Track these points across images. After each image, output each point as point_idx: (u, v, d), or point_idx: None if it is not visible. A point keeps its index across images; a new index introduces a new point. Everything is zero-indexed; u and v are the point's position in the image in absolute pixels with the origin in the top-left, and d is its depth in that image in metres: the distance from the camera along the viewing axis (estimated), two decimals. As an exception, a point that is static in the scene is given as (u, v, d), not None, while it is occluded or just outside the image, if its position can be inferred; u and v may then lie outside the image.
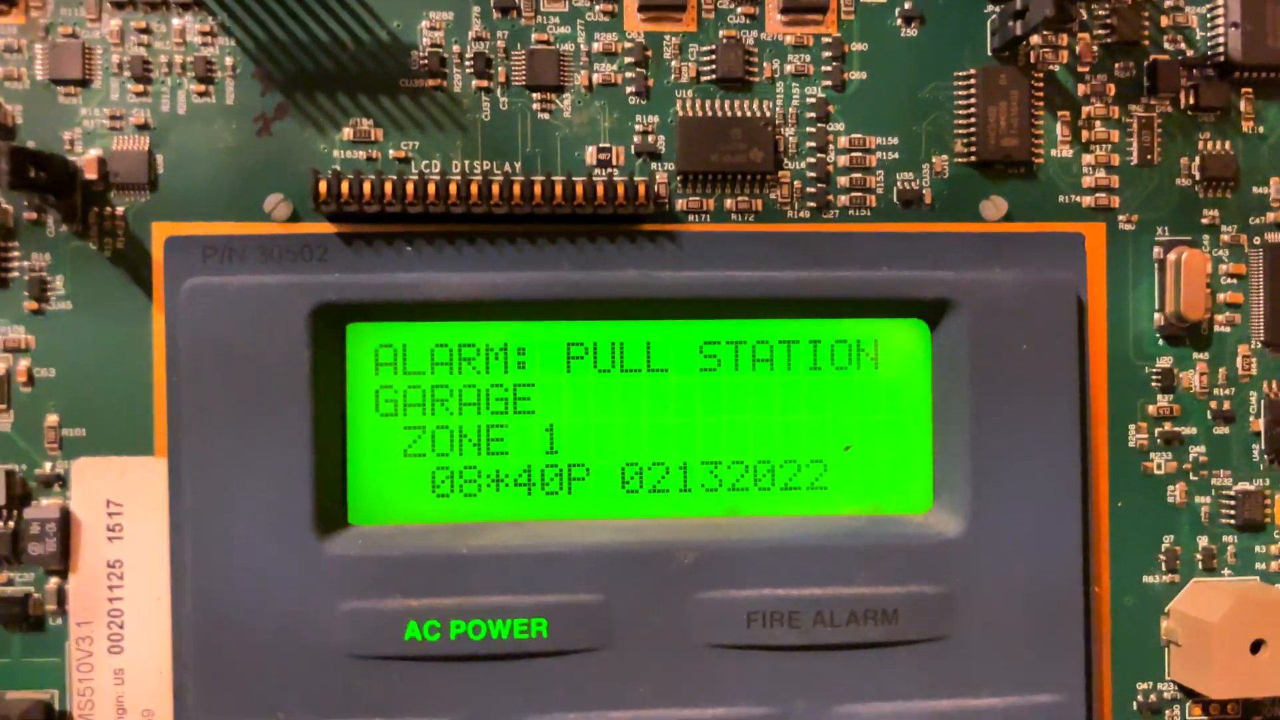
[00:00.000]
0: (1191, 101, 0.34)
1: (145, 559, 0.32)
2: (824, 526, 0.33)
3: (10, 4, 0.32)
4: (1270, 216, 0.35)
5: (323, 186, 0.31)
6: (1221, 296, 0.35)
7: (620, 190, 0.32)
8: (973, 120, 0.34)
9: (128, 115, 0.32)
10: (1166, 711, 0.35)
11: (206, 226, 0.32)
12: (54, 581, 0.32)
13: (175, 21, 0.32)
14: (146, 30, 0.32)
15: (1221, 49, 0.34)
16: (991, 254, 0.34)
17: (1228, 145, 0.35)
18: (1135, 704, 0.35)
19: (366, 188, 0.31)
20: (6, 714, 0.31)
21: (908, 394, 0.34)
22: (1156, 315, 0.34)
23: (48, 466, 0.32)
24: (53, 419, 0.32)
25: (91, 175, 0.32)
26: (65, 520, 0.32)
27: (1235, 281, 0.35)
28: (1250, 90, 0.35)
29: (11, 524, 0.32)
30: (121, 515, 0.32)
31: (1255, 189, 0.35)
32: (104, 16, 0.32)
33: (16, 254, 0.32)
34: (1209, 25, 0.35)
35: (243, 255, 0.32)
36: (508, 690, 0.32)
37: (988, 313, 0.33)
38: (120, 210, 0.32)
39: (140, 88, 0.32)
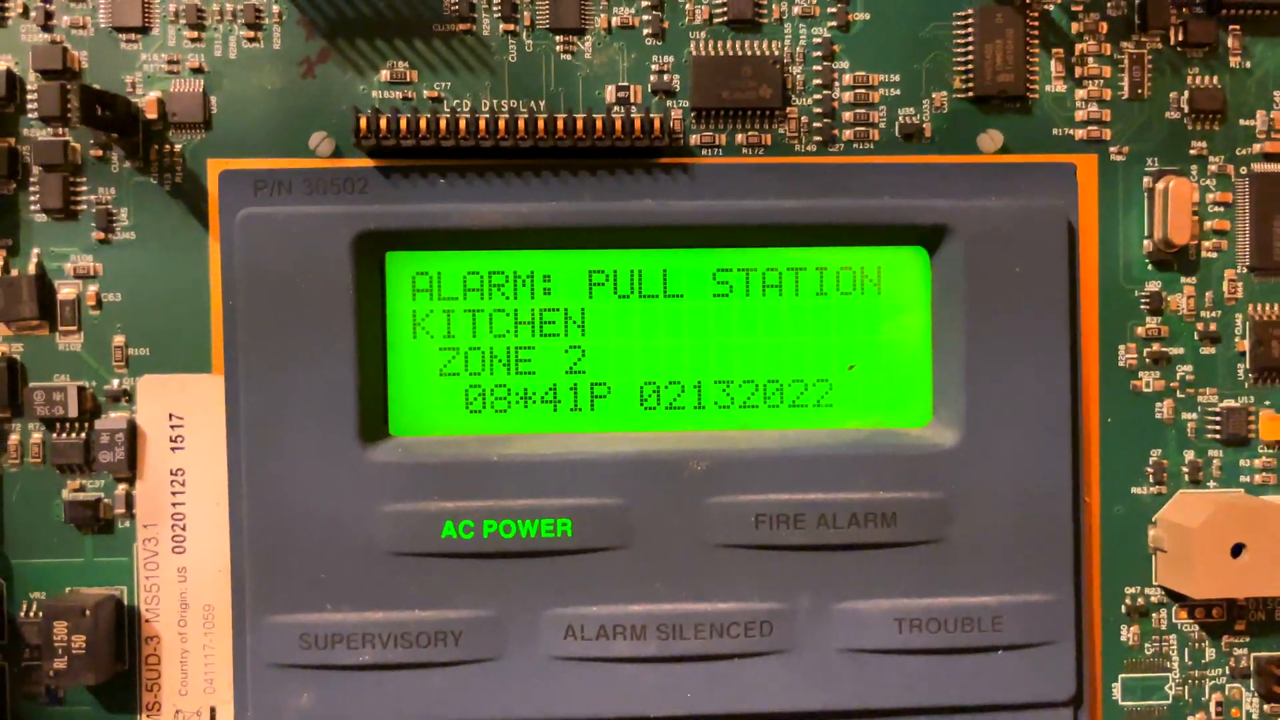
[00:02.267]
0: (1180, 38, 0.36)
1: (204, 467, 0.35)
2: (828, 437, 0.36)
3: (76, -42, 0.35)
4: (1256, 148, 0.37)
5: (363, 123, 0.33)
6: (1209, 224, 0.37)
7: (637, 125, 0.34)
8: (970, 58, 0.36)
9: (184, 60, 0.35)
10: (1153, 614, 0.37)
11: (257, 162, 0.35)
12: (122, 488, 0.35)
13: (226, -28, 0.35)
14: (200, -19, 0.35)
15: (1209, -14, 0.36)
16: (988, 184, 0.36)
17: (1215, 80, 0.36)
18: (1124, 607, 0.37)
19: (403, 124, 0.33)
20: (82, 606, 0.34)
21: (908, 317, 0.36)
22: (1145, 242, 0.36)
23: (115, 383, 0.35)
24: (119, 339, 0.35)
25: (152, 115, 0.35)
26: (132, 432, 0.35)
27: (1222, 209, 0.37)
28: (1238, 27, 0.36)
29: (83, 435, 0.35)
30: (183, 427, 0.35)
31: (1242, 121, 0.37)
32: (161, -32, 0.35)
33: (85, 188, 0.35)
34: (1197, -36, 0.36)
35: (290, 188, 0.35)
36: (535, 585, 0.34)
37: (984, 238, 0.35)
38: (178, 147, 0.35)
39: (195, 34, 0.35)
